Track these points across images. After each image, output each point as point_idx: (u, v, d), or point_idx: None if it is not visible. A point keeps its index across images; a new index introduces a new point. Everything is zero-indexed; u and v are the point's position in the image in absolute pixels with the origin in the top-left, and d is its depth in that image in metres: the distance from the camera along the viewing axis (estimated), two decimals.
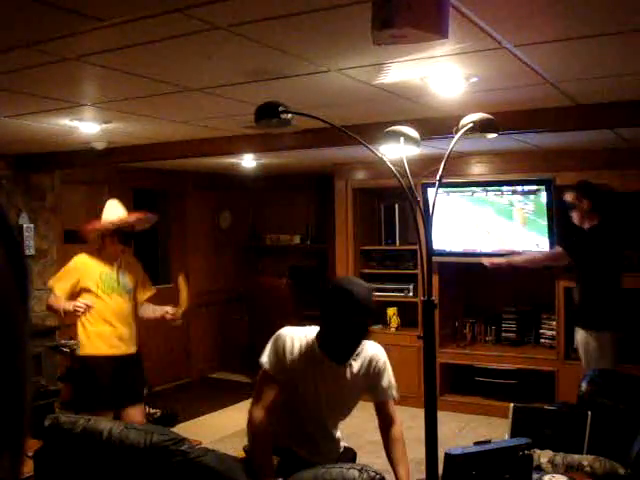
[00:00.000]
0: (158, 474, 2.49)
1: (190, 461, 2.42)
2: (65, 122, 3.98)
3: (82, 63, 2.64)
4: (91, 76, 2.99)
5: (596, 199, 4.61)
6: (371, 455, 4.88)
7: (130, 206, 6.92)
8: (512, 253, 5.20)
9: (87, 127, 4.12)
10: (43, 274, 5.87)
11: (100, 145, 4.85)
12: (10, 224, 0.52)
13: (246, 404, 6.57)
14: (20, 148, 5.33)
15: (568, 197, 4.68)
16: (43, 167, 5.78)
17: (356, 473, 2.10)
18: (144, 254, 7.21)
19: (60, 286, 4.05)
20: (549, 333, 5.85)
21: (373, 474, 2.11)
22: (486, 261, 4.98)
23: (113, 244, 4.17)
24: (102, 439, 2.58)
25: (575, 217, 4.64)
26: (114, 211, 4.21)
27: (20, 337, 0.50)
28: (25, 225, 5.70)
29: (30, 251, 5.72)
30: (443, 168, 2.67)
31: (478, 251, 5.84)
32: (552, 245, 5.49)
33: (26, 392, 0.50)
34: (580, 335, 4.59)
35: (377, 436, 5.14)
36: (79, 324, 4.12)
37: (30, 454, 2.71)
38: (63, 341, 5.62)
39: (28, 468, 2.70)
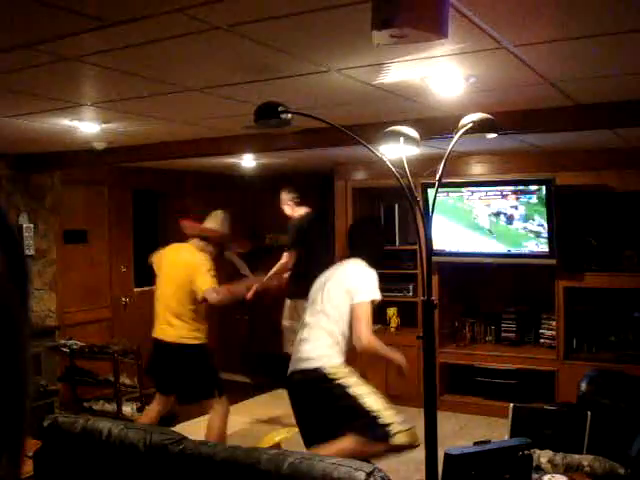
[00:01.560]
0: (158, 474, 2.49)
1: (189, 457, 2.42)
2: (65, 122, 3.98)
3: (82, 63, 2.64)
4: (91, 76, 2.99)
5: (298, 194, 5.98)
6: None
7: (130, 206, 6.94)
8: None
9: (87, 127, 4.12)
10: (43, 274, 5.88)
11: (100, 145, 4.85)
12: (10, 224, 0.52)
13: (246, 404, 6.60)
14: (20, 148, 5.33)
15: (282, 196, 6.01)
16: (43, 167, 5.78)
17: (363, 475, 2.10)
18: (144, 254, 7.22)
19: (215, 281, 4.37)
20: (549, 333, 5.85)
21: (380, 478, 2.11)
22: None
23: None
24: (102, 439, 2.58)
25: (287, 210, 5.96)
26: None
27: (20, 337, 0.50)
28: (25, 225, 5.70)
29: (30, 251, 5.72)
30: (443, 168, 2.67)
31: (478, 251, 5.84)
32: (551, 245, 5.50)
33: (26, 392, 0.50)
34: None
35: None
36: (203, 315, 4.52)
37: (30, 454, 2.71)
38: (63, 341, 5.62)
39: (28, 468, 2.70)
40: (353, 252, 3.96)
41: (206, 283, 4.29)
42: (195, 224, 4.64)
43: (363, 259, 3.83)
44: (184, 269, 4.37)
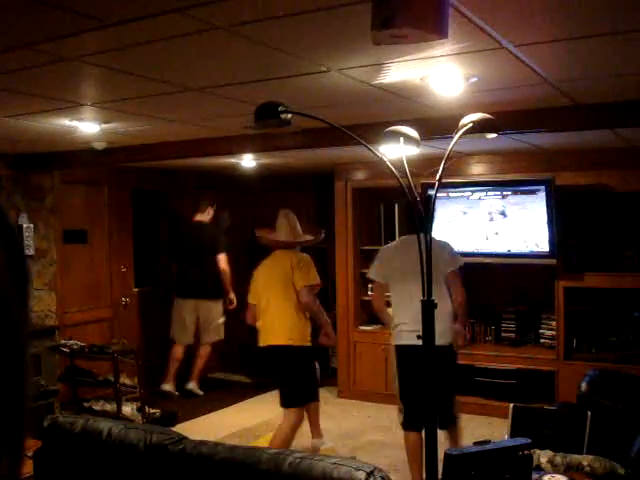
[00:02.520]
0: (158, 474, 2.49)
1: (189, 457, 2.42)
2: (65, 122, 3.98)
3: (82, 63, 2.64)
4: (91, 76, 2.99)
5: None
6: (372, 455, 4.88)
7: (130, 206, 6.94)
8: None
9: (87, 127, 4.12)
10: (43, 274, 5.88)
11: (100, 145, 4.85)
12: (10, 224, 0.52)
13: (246, 404, 6.60)
14: (20, 148, 5.33)
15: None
16: (43, 167, 5.78)
17: (363, 475, 2.10)
18: (144, 254, 7.22)
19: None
20: (549, 333, 5.85)
21: (380, 478, 2.10)
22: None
23: None
24: (102, 439, 2.58)
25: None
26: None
27: (20, 338, 0.50)
28: (25, 225, 5.70)
29: (30, 251, 5.72)
30: (443, 168, 2.67)
31: (478, 251, 5.84)
32: (552, 245, 5.50)
33: (26, 392, 0.50)
34: None
35: (377, 436, 5.15)
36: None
37: (30, 454, 2.71)
38: (63, 341, 5.62)
39: (28, 468, 2.70)
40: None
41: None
42: (288, 236, 4.73)
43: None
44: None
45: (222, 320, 6.92)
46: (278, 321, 4.48)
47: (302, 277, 4.45)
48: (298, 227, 4.77)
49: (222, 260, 6.73)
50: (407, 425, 4.07)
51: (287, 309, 4.47)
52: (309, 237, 4.83)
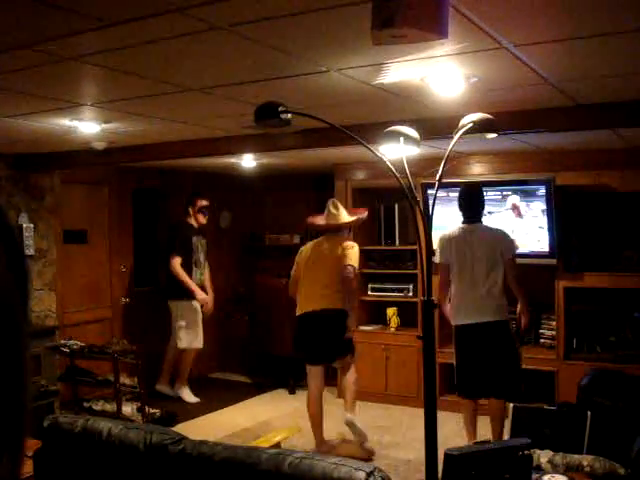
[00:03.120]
0: (158, 474, 2.49)
1: (189, 457, 2.42)
2: (65, 122, 3.98)
3: (82, 63, 2.64)
4: (91, 76, 2.99)
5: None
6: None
7: (130, 206, 6.94)
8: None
9: (87, 127, 4.12)
10: (43, 274, 5.88)
11: (100, 145, 4.85)
12: (10, 224, 0.52)
13: (246, 404, 6.59)
14: (20, 148, 5.33)
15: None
16: (43, 167, 5.78)
17: (363, 475, 2.10)
18: (143, 254, 7.22)
19: None
20: (549, 333, 5.85)
21: (380, 478, 2.10)
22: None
23: None
24: (102, 439, 2.58)
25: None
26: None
27: (20, 337, 0.50)
28: (25, 225, 5.70)
29: (30, 251, 5.72)
30: (443, 168, 2.67)
31: None
32: (552, 245, 5.50)
33: (26, 393, 0.50)
34: None
35: (377, 436, 5.15)
36: None
37: (30, 454, 2.71)
38: (63, 341, 5.62)
39: (28, 468, 2.70)
40: (475, 216, 4.69)
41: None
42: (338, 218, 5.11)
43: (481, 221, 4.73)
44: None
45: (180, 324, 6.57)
46: (320, 291, 4.93)
47: (351, 258, 4.93)
48: (343, 212, 5.14)
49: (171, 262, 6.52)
50: (464, 394, 4.72)
51: (330, 284, 4.92)
52: (351, 218, 5.18)
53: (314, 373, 5.04)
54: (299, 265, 5.11)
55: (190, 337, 6.54)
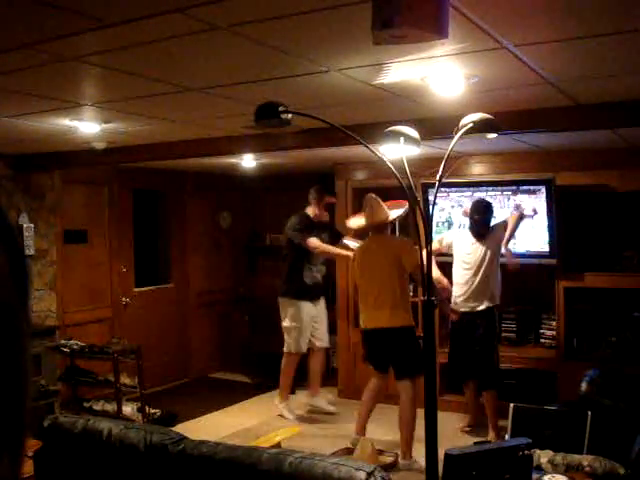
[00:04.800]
0: (158, 474, 2.49)
1: (190, 457, 2.42)
2: (65, 122, 3.98)
3: (82, 63, 2.64)
4: (91, 76, 2.99)
5: None
6: None
7: (130, 206, 6.94)
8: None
9: (87, 127, 4.12)
10: (43, 274, 5.88)
11: (100, 145, 4.85)
12: (10, 224, 0.52)
13: (246, 404, 6.59)
14: (20, 148, 5.33)
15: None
16: (43, 167, 5.78)
17: (363, 475, 2.10)
18: (144, 254, 7.23)
19: None
20: (549, 333, 5.85)
21: (380, 478, 2.10)
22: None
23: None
24: (102, 439, 2.58)
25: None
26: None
27: (20, 337, 0.50)
28: (25, 225, 5.70)
29: (30, 251, 5.72)
30: (443, 168, 2.67)
31: None
32: (552, 245, 5.50)
33: (26, 393, 0.50)
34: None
35: (377, 436, 5.15)
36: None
37: (30, 454, 2.71)
38: (63, 341, 5.62)
39: (28, 468, 2.70)
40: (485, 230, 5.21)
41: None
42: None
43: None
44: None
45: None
46: (385, 305, 4.77)
47: (413, 259, 4.55)
48: (385, 208, 4.92)
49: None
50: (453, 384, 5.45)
51: (395, 292, 4.77)
52: (398, 212, 4.98)
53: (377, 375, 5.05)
54: (354, 273, 5.18)
55: (294, 340, 5.93)
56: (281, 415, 5.86)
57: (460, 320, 5.27)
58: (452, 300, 5.29)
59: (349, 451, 4.72)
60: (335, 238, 6.00)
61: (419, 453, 4.12)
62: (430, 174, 5.15)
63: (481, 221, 5.19)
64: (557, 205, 5.42)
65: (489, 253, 5.15)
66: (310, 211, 6.03)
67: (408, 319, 4.80)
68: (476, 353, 5.14)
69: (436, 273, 5.00)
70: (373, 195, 4.95)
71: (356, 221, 5.22)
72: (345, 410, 6.00)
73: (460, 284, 5.26)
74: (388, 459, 4.74)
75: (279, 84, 3.01)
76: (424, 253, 2.81)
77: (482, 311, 5.14)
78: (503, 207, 5.69)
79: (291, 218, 6.01)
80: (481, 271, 5.15)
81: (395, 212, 4.93)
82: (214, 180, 7.68)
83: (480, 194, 5.82)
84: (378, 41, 1.80)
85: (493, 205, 5.35)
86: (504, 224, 5.28)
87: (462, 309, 5.23)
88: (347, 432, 5.22)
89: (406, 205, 4.88)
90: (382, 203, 4.90)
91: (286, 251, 6.04)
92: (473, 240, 5.21)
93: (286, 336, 5.94)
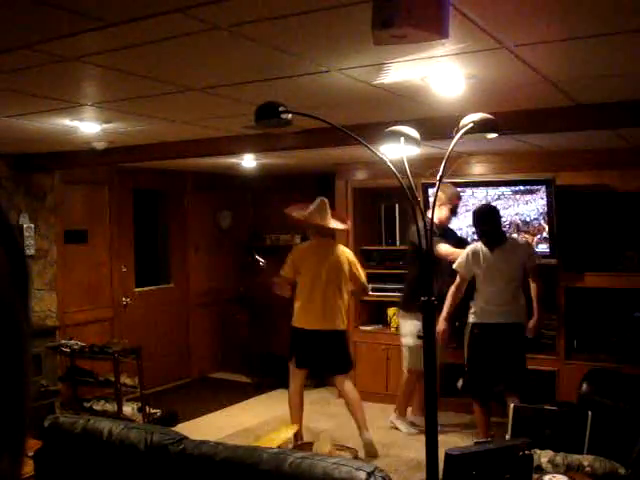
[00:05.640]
0: (158, 474, 2.49)
1: (190, 457, 2.42)
2: (65, 122, 3.98)
3: (82, 63, 2.64)
4: (91, 76, 2.99)
5: None
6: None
7: (130, 206, 6.94)
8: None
9: (87, 127, 4.12)
10: (43, 274, 5.88)
11: (100, 145, 4.85)
12: (10, 224, 0.52)
13: (246, 404, 6.59)
14: (20, 148, 5.33)
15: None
16: (43, 167, 5.78)
17: (364, 475, 2.10)
18: (144, 254, 7.23)
19: None
20: (549, 333, 5.84)
21: (380, 478, 2.10)
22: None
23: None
24: (102, 439, 2.59)
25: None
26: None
27: (21, 338, 0.50)
28: (25, 225, 5.70)
29: (30, 251, 5.72)
30: (443, 168, 2.67)
31: None
32: (552, 245, 5.49)
33: (26, 393, 0.50)
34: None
35: (378, 436, 5.15)
36: None
37: (30, 454, 2.71)
38: (64, 341, 5.63)
39: (28, 468, 2.70)
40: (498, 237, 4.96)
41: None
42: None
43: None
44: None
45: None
46: (333, 309, 5.01)
47: (363, 274, 5.13)
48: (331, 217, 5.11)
49: None
50: (472, 393, 5.02)
51: (338, 298, 5.01)
52: (342, 225, 5.23)
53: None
54: (299, 268, 5.07)
55: (419, 358, 5.55)
56: (395, 427, 5.60)
57: (484, 333, 4.90)
58: (476, 313, 4.95)
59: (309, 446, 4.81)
60: (460, 245, 5.35)
61: (420, 453, 4.11)
62: (430, 174, 5.14)
63: (491, 230, 4.94)
64: (557, 205, 5.42)
65: (512, 263, 4.86)
66: (441, 214, 5.26)
67: (345, 323, 5.17)
68: (502, 362, 4.83)
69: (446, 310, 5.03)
70: (326, 200, 5.10)
71: (300, 212, 5.16)
72: (344, 410, 5.99)
73: (485, 298, 4.92)
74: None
75: (279, 84, 3.01)
76: (424, 255, 2.80)
77: (510, 325, 4.85)
78: (507, 207, 5.69)
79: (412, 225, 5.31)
80: (504, 281, 4.85)
81: (337, 224, 5.16)
82: (214, 180, 7.68)
83: (480, 194, 5.82)
84: (378, 41, 1.80)
85: (497, 207, 5.20)
86: (532, 250, 5.09)
87: (487, 321, 4.89)
88: (347, 432, 5.22)
89: (347, 226, 5.40)
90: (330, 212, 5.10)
91: (409, 260, 5.47)
92: (486, 250, 4.91)
93: (407, 353, 5.47)
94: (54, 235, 5.98)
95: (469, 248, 5.02)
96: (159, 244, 7.59)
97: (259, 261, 5.70)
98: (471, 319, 4.99)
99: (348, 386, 5.12)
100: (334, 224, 5.09)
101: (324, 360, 5.11)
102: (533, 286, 4.97)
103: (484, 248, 4.93)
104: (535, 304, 4.96)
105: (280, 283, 5.17)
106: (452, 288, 5.06)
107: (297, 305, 5.08)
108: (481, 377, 4.94)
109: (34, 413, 0.56)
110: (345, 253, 5.10)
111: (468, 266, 4.95)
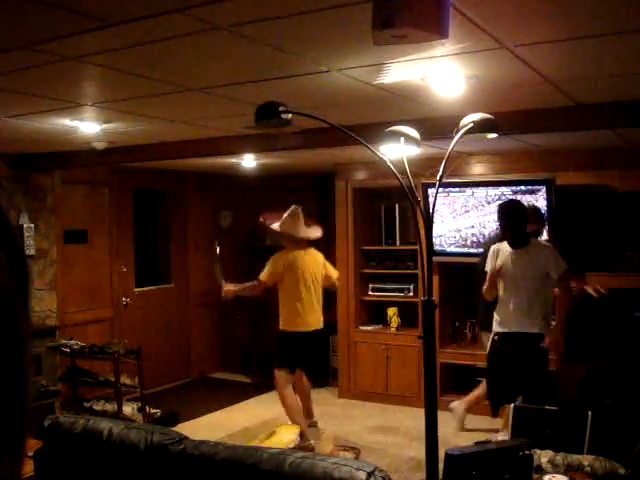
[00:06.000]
0: (158, 474, 2.49)
1: (190, 457, 2.42)
2: (65, 122, 3.98)
3: (82, 63, 2.64)
4: (91, 76, 2.99)
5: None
6: (374, 455, 4.88)
7: (130, 206, 6.94)
8: None
9: (87, 127, 4.12)
10: (43, 274, 5.88)
11: (100, 145, 4.85)
12: (10, 224, 0.52)
13: (246, 404, 6.59)
14: (20, 148, 5.33)
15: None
16: (43, 167, 5.78)
17: (364, 475, 2.10)
18: (144, 254, 7.23)
19: None
20: None
21: (380, 478, 2.10)
22: None
23: None
24: (102, 439, 2.59)
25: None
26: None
27: (21, 338, 0.50)
28: (25, 225, 5.70)
29: (30, 251, 5.72)
30: (443, 168, 2.67)
31: (479, 250, 5.83)
32: (552, 244, 5.49)
33: (26, 393, 0.50)
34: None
35: (377, 436, 5.15)
36: None
37: (30, 454, 2.71)
38: (64, 341, 5.63)
39: (28, 468, 2.70)
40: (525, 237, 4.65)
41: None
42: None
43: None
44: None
45: None
46: (318, 309, 5.27)
47: (333, 271, 5.45)
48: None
49: None
50: (490, 403, 4.84)
51: (320, 298, 5.30)
52: (314, 234, 5.34)
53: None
54: (281, 276, 5.22)
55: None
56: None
57: (504, 342, 4.68)
58: (498, 321, 4.74)
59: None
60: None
61: (420, 453, 4.11)
62: (430, 174, 5.14)
63: (521, 223, 4.58)
64: (557, 205, 5.42)
65: (536, 266, 4.57)
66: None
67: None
68: (521, 374, 4.60)
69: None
70: (300, 208, 5.29)
71: (273, 222, 5.39)
72: (346, 410, 6.01)
73: (506, 303, 4.70)
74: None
75: (279, 84, 3.01)
76: (424, 253, 2.81)
77: (531, 335, 4.62)
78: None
79: (489, 240, 5.33)
80: (528, 287, 4.58)
81: (309, 232, 5.32)
82: (214, 180, 7.68)
83: (481, 194, 5.82)
84: (379, 41, 1.80)
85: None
86: (557, 253, 4.63)
87: (508, 329, 4.66)
88: (347, 432, 5.22)
89: (319, 234, 5.41)
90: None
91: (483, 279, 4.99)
92: (510, 250, 4.62)
93: None
94: (54, 235, 5.98)
95: (493, 247, 4.74)
96: (159, 244, 7.59)
97: (217, 250, 5.85)
98: (494, 328, 4.76)
99: (304, 378, 5.38)
100: (306, 233, 5.26)
101: (311, 358, 5.37)
102: (559, 294, 4.80)
103: (508, 248, 4.62)
104: (558, 316, 4.81)
105: (230, 290, 5.53)
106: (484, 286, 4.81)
107: (286, 310, 5.24)
108: (500, 388, 4.70)
109: (34, 413, 0.56)
110: (318, 255, 5.35)
111: (493, 262, 4.65)
